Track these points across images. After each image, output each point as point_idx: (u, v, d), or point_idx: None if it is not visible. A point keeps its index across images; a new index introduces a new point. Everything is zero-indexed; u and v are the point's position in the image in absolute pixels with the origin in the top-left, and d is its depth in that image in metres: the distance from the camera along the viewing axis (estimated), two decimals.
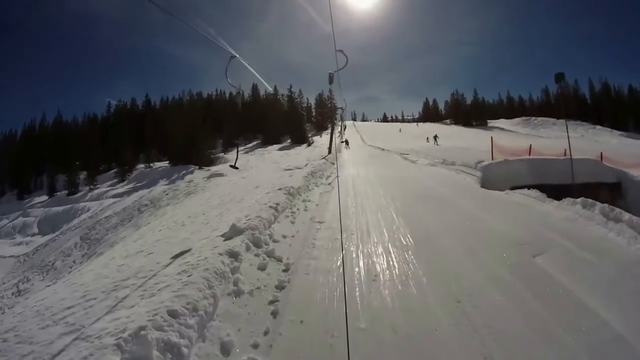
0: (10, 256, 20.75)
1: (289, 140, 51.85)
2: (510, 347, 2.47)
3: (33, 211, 33.50)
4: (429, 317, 2.88)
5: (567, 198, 5.82)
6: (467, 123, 67.79)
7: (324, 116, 67.00)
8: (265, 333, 2.68)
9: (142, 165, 42.79)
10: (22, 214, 33.50)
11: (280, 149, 45.47)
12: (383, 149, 27.34)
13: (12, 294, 13.69)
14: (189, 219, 8.18)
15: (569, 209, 5.47)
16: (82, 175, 42.33)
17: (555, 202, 6.00)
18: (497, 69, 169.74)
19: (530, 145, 17.14)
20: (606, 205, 4.94)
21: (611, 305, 2.86)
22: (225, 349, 2.44)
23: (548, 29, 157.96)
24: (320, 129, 65.48)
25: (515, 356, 2.39)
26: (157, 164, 41.08)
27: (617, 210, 4.71)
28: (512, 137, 41.03)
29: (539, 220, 5.32)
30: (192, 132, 35.57)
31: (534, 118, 66.58)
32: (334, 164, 16.24)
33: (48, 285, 10.13)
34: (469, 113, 71.18)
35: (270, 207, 6.23)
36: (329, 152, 24.80)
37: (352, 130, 58.61)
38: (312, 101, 73.44)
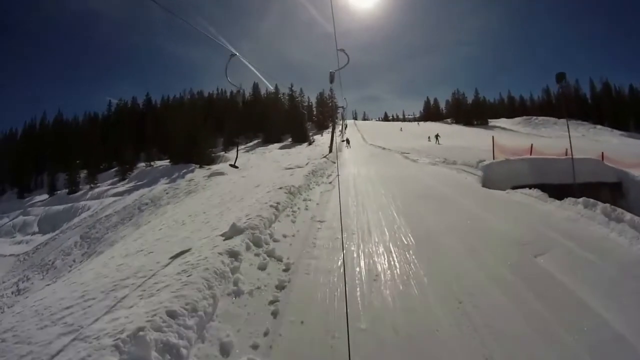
0: (11, 255, 20.78)
1: (289, 139, 51.78)
2: (511, 348, 2.46)
3: (33, 210, 33.49)
4: (430, 317, 2.87)
5: (569, 198, 5.80)
6: (468, 122, 67.61)
7: (325, 115, 66.99)
8: (265, 334, 2.67)
9: (142, 164, 42.75)
10: (22, 213, 33.47)
11: (281, 148, 45.43)
12: (384, 148, 27.29)
13: (12, 293, 13.71)
14: (189, 218, 8.17)
15: (571, 209, 5.45)
16: (83, 174, 42.27)
17: (557, 201, 5.98)
18: (498, 69, 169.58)
19: (532, 144, 17.09)
20: (608, 205, 4.92)
21: (613, 306, 2.85)
22: (225, 350, 2.43)
23: (549, 29, 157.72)
24: (321, 128, 65.44)
25: (516, 356, 2.38)
26: (158, 163, 41.08)
27: (619, 210, 4.69)
28: (513, 137, 41.00)
29: (540, 219, 5.30)
30: (193, 131, 35.54)
31: (534, 117, 66.47)
32: (334, 162, 16.23)
33: (48, 284, 10.13)
34: (470, 112, 71.00)
35: (271, 206, 6.21)
36: (330, 151, 24.78)
37: (353, 129, 58.52)
38: (313, 100, 73.41)
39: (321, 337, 2.64)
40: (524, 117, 68.64)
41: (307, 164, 17.01)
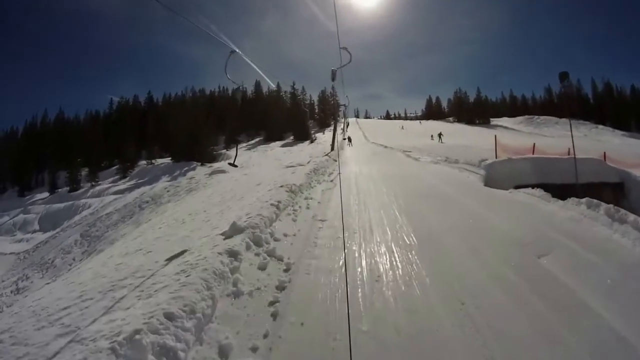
0: (11, 253, 20.83)
1: (291, 137, 51.65)
2: (513, 349, 2.44)
3: (34, 208, 33.54)
4: (432, 319, 2.84)
5: (572, 198, 5.74)
6: (470, 121, 67.41)
7: (327, 113, 66.78)
8: (265, 336, 2.63)
9: (144, 162, 42.68)
10: (23, 211, 33.51)
11: (283, 146, 45.30)
12: (386, 147, 27.21)
13: (11, 291, 13.72)
14: (189, 217, 8.15)
15: (574, 209, 5.40)
16: (84, 171, 42.29)
17: (560, 201, 5.93)
18: (500, 68, 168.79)
19: (534, 143, 17.00)
20: (611, 206, 4.87)
21: (616, 307, 2.83)
22: (224, 353, 2.39)
23: (550, 29, 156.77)
24: (323, 126, 65.25)
25: (518, 357, 2.36)
26: (159, 161, 41.00)
27: (622, 211, 4.65)
28: (515, 136, 40.86)
29: (543, 220, 5.26)
30: (195, 128, 35.46)
31: (536, 117, 66.26)
32: (336, 161, 16.19)
33: (47, 284, 10.13)
34: (472, 111, 70.76)
35: (272, 204, 6.17)
36: (332, 149, 24.72)
37: (355, 127, 58.37)
38: (315, 98, 73.30)
39: (322, 339, 2.61)
40: (526, 116, 68.45)
41: (308, 162, 16.97)
